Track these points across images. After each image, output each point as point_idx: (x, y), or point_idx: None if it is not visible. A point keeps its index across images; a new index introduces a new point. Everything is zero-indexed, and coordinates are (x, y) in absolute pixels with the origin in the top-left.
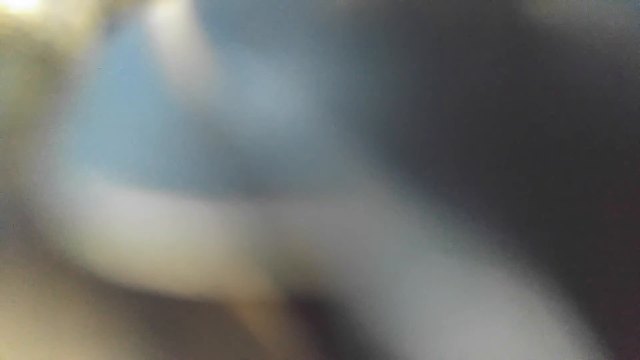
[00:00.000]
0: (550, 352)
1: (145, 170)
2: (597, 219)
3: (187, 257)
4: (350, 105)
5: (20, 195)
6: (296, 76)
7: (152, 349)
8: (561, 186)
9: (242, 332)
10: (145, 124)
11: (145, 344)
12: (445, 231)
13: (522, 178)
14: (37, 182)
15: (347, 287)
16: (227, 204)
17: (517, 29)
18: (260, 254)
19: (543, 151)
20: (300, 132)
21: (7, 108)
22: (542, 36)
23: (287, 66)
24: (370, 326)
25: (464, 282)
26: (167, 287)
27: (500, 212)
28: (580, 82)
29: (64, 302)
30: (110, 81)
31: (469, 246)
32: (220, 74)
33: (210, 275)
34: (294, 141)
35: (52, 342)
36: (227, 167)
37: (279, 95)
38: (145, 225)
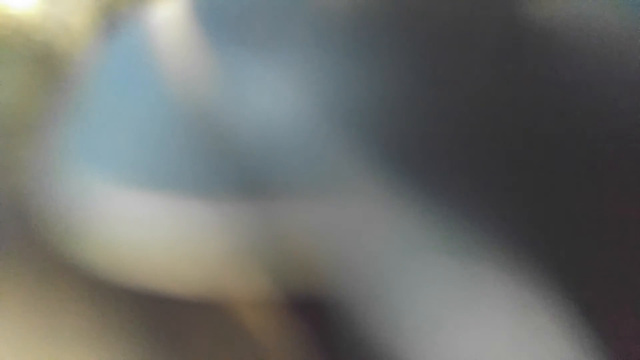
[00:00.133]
0: (550, 352)
1: (144, 170)
2: (596, 219)
3: (187, 257)
4: (350, 105)
5: (20, 195)
6: (295, 76)
7: (152, 349)
8: (560, 186)
9: (241, 332)
10: (145, 124)
11: (144, 344)
12: (444, 231)
13: (522, 178)
14: (37, 182)
15: (347, 287)
16: (226, 204)
17: (516, 29)
18: (260, 254)
19: (542, 151)
20: (299, 132)
21: (6, 108)
22: (541, 36)
23: (287, 66)
24: (370, 326)
25: (463, 282)
26: (166, 288)
27: (500, 211)
28: (580, 82)
29: (64, 302)
30: (109, 81)
31: (469, 246)
32: (220, 74)
33: (209, 276)
34: (294, 141)
35: (52, 342)
36: (227, 167)
37: (279, 96)
38: (145, 226)
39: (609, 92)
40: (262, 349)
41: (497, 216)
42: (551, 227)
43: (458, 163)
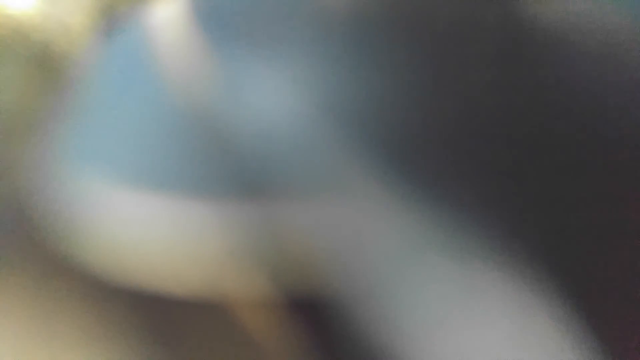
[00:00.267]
0: (549, 352)
1: (144, 171)
2: (596, 219)
3: (187, 258)
4: (349, 106)
5: (20, 195)
6: (295, 77)
7: (151, 349)
8: (560, 186)
9: (241, 332)
10: (144, 125)
11: (144, 344)
12: (444, 231)
13: (521, 177)
14: (37, 183)
15: (346, 287)
16: (226, 204)
17: (515, 30)
18: (260, 254)
19: (541, 151)
20: (298, 133)
21: (6, 108)
22: (541, 36)
23: (286, 67)
24: (369, 326)
25: (463, 282)
26: (166, 288)
27: (499, 212)
28: (580, 82)
29: (63, 302)
30: (108, 81)
31: (468, 246)
32: (219, 75)
33: (209, 276)
34: (293, 142)
35: (51, 342)
36: (226, 167)
37: (278, 96)
38: (144, 226)
39: (609, 92)
40: (262, 349)
41: (496, 216)
42: (551, 227)
43: (458, 163)
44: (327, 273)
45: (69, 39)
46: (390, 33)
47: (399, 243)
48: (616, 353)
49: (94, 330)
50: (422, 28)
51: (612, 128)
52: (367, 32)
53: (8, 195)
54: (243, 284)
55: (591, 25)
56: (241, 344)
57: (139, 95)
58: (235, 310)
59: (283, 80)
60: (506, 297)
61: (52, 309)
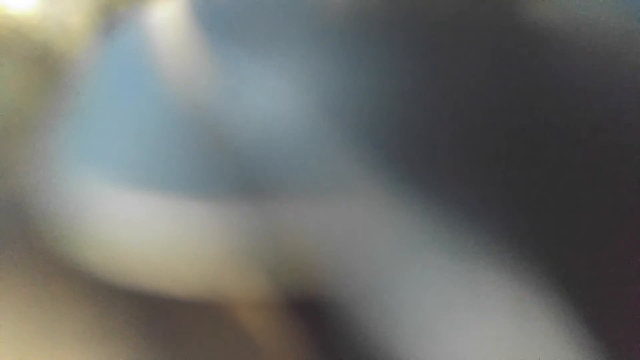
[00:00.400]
0: (549, 352)
1: (143, 171)
2: (595, 219)
3: (186, 258)
4: (348, 105)
5: (19, 195)
6: (294, 77)
7: (151, 350)
8: (559, 186)
9: (240, 332)
10: (144, 125)
11: (143, 344)
12: (443, 231)
13: (520, 178)
14: (36, 183)
15: (346, 287)
16: (225, 205)
17: (515, 29)
18: (258, 255)
19: (540, 151)
20: (298, 133)
21: (5, 108)
22: (540, 36)
23: (285, 67)
24: (369, 326)
25: (462, 282)
26: (165, 288)
27: (498, 211)
28: (579, 82)
29: (63, 303)
30: (108, 82)
31: (468, 246)
32: (218, 75)
33: (208, 276)
34: (292, 142)
35: (51, 342)
36: (225, 167)
37: (277, 96)
38: (144, 226)
39: (609, 92)
40: (261, 349)
41: (496, 216)
42: (550, 227)
43: (457, 163)
44: (327, 273)
45: (69, 39)
46: (390, 33)
47: (398, 243)
48: (616, 353)
49: (93, 330)
50: (422, 28)
51: (612, 128)
52: (367, 32)
53: (8, 195)
54: (243, 284)
55: (591, 25)
56: (241, 344)
57: (139, 95)
58: (235, 310)
59: (283, 80)
60: (506, 297)
61: (52, 309)
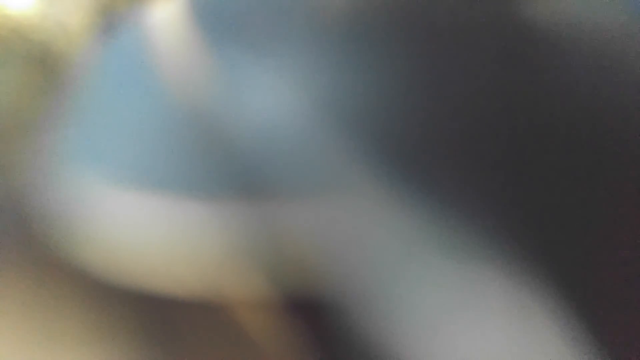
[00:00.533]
0: (548, 353)
1: (143, 171)
2: (595, 219)
3: (185, 258)
4: (348, 106)
5: (19, 195)
6: (294, 77)
7: (150, 350)
8: (558, 186)
9: (240, 332)
10: (143, 125)
11: (143, 344)
12: (442, 231)
13: (519, 178)
14: (36, 183)
15: (345, 287)
16: (224, 205)
17: (514, 29)
18: (258, 255)
19: (540, 151)
20: (297, 133)
21: (5, 108)
22: (540, 36)
23: (285, 67)
24: (368, 326)
25: (461, 282)
26: (165, 288)
27: (497, 211)
28: (579, 82)
29: (63, 303)
30: (107, 82)
31: (467, 246)
32: (218, 75)
33: (208, 276)
34: (292, 142)
35: (51, 342)
36: (225, 167)
37: (277, 97)
38: (143, 226)
39: (609, 92)
40: (261, 349)
41: (495, 217)
42: (550, 227)
43: (457, 164)
44: (327, 273)
45: (69, 39)
46: (390, 33)
47: (398, 243)
48: (616, 353)
49: (93, 330)
50: (422, 28)
51: (612, 128)
52: (367, 32)
53: (8, 195)
54: (242, 284)
55: (591, 25)
56: (241, 344)
57: (138, 95)
58: (235, 310)
59: (282, 80)
60: (506, 297)
61: (52, 309)
